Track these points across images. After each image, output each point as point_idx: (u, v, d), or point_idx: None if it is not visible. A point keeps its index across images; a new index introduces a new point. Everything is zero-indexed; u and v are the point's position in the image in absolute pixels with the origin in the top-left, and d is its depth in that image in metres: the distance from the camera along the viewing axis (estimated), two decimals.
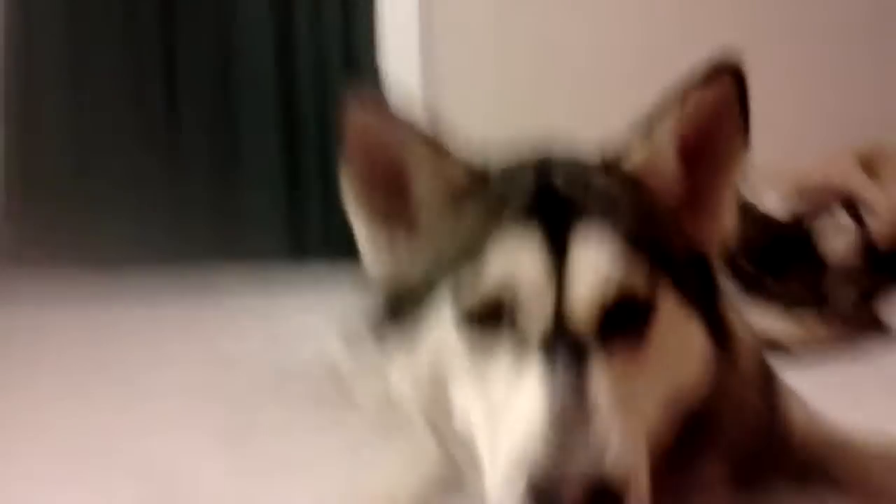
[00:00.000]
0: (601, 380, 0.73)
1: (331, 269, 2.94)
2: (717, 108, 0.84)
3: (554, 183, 0.82)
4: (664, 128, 0.84)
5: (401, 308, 0.85)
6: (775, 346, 1.75)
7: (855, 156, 2.31)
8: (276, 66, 3.52)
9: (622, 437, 0.71)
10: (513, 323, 0.77)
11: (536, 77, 3.10)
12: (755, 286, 1.94)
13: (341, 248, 3.23)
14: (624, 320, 0.77)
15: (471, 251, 0.79)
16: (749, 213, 2.26)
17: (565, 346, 0.75)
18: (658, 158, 0.85)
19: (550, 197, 0.81)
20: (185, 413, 1.58)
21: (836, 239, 2.10)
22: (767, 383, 1.03)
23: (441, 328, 0.80)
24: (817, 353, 1.89)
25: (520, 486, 0.68)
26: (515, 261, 0.77)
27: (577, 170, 0.85)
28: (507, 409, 0.75)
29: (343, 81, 3.33)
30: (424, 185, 0.87)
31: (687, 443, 0.86)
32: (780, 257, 2.18)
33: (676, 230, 0.86)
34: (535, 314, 0.76)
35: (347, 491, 1.00)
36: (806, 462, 1.05)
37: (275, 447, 1.33)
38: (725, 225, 0.89)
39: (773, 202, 2.25)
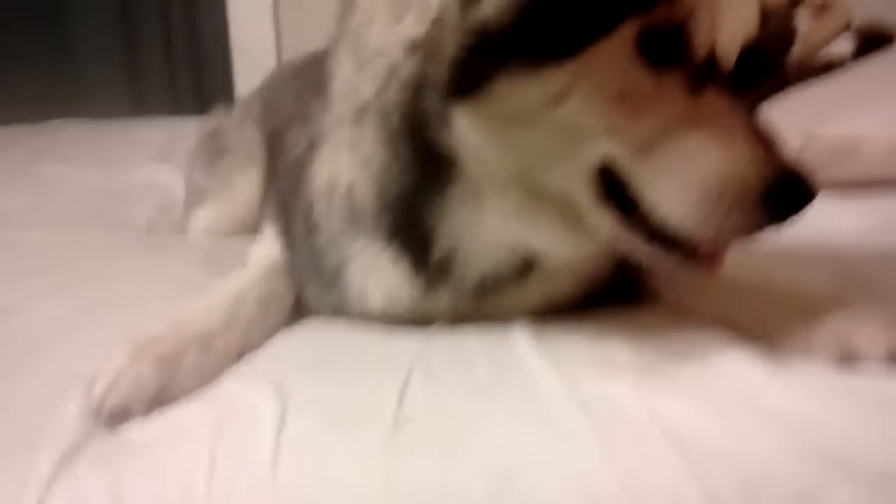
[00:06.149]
0: None
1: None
2: None
3: None
4: None
5: (528, 40, 0.78)
6: None
7: None
8: None
9: None
10: (685, 60, 0.81)
11: None
12: None
13: (185, 105, 3.13)
14: None
15: None
16: None
17: (735, 79, 0.85)
18: None
19: None
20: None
21: None
22: None
23: (618, 56, 0.79)
24: None
25: (765, 183, 0.79)
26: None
27: None
28: (695, 132, 0.80)
29: None
30: None
31: None
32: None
33: None
34: (725, 49, 0.83)
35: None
36: None
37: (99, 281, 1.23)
38: None
39: None
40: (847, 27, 2.31)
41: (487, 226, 0.91)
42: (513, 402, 0.79)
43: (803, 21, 2.31)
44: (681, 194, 0.81)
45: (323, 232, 1.00)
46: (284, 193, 1.14)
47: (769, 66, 2.20)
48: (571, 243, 0.91)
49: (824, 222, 1.44)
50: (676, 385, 0.80)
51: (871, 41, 2.25)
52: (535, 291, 0.99)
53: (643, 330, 0.93)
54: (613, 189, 0.84)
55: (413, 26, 0.83)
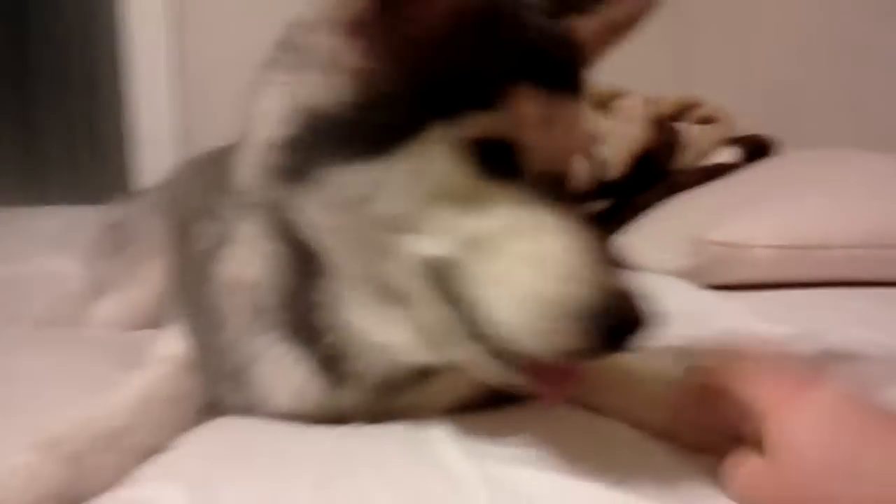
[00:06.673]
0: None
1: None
2: None
3: (540, 43, 0.85)
4: None
5: (356, 131, 0.81)
6: None
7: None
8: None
9: None
10: (512, 166, 0.81)
11: None
12: None
13: (80, 194, 3.06)
14: None
15: (487, 86, 0.80)
16: None
17: (564, 191, 0.83)
18: None
19: (543, 58, 0.84)
20: None
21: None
22: None
23: (435, 157, 0.79)
24: None
25: (589, 305, 0.74)
26: (532, 111, 0.81)
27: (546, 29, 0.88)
28: (521, 240, 0.78)
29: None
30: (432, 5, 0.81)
31: None
32: None
33: None
34: (544, 159, 0.82)
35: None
36: None
37: None
38: None
39: None
40: (729, 137, 2.47)
41: (361, 323, 0.91)
42: (431, 498, 0.80)
43: (689, 129, 2.45)
44: (507, 304, 0.77)
45: (228, 330, 0.99)
46: (190, 290, 1.13)
47: (658, 171, 2.31)
48: (428, 348, 0.88)
49: (718, 319, 1.52)
50: (589, 479, 0.82)
51: (753, 150, 2.40)
52: (440, 392, 0.98)
53: (551, 425, 0.94)
54: (448, 290, 0.82)
55: (277, 123, 0.87)
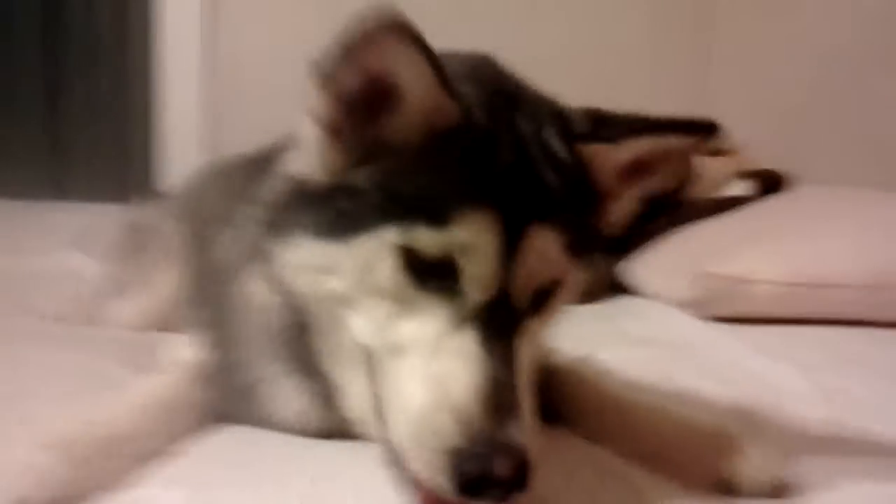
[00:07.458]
0: (523, 356, 0.82)
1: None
2: None
3: (522, 166, 0.85)
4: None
5: (324, 209, 0.86)
6: None
7: None
8: None
9: (532, 415, 0.78)
10: (454, 285, 0.81)
11: None
12: None
13: (104, 191, 3.10)
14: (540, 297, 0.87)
15: (439, 204, 0.81)
16: None
17: (500, 320, 0.81)
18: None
19: (516, 182, 0.83)
20: None
21: None
22: None
23: (376, 254, 0.82)
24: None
25: (452, 444, 0.72)
26: (478, 235, 0.80)
27: (548, 152, 0.88)
28: (429, 359, 0.79)
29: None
30: (411, 114, 0.83)
31: None
32: None
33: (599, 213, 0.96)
34: (484, 285, 0.81)
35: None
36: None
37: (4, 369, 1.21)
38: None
39: None
40: (743, 170, 2.49)
41: (333, 372, 0.95)
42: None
43: (702, 161, 2.47)
44: (395, 415, 0.80)
45: (240, 348, 1.04)
46: (209, 301, 1.17)
47: (668, 201, 2.33)
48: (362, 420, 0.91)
49: (716, 352, 1.54)
50: None
51: (767, 184, 2.42)
52: None
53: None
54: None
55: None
